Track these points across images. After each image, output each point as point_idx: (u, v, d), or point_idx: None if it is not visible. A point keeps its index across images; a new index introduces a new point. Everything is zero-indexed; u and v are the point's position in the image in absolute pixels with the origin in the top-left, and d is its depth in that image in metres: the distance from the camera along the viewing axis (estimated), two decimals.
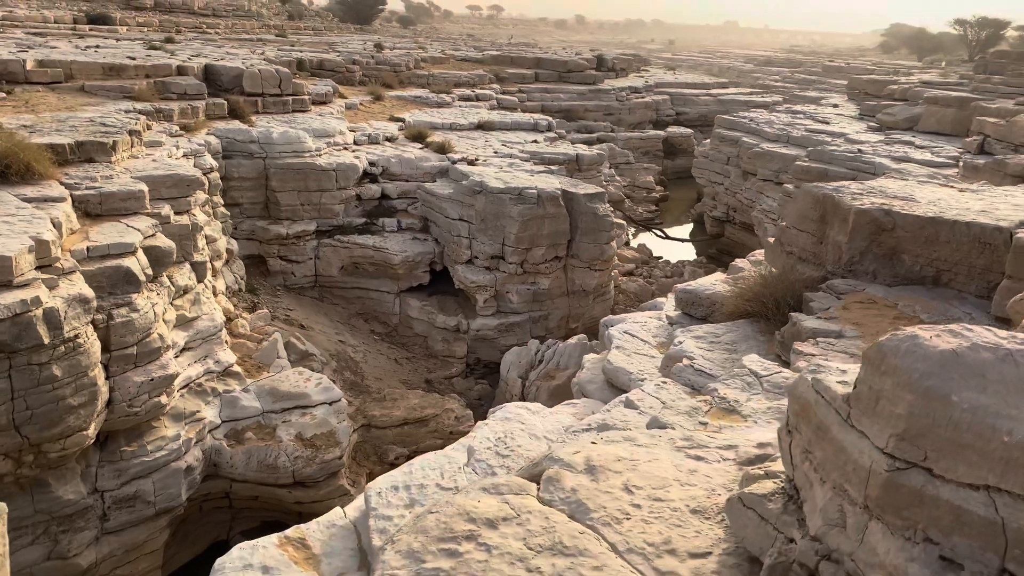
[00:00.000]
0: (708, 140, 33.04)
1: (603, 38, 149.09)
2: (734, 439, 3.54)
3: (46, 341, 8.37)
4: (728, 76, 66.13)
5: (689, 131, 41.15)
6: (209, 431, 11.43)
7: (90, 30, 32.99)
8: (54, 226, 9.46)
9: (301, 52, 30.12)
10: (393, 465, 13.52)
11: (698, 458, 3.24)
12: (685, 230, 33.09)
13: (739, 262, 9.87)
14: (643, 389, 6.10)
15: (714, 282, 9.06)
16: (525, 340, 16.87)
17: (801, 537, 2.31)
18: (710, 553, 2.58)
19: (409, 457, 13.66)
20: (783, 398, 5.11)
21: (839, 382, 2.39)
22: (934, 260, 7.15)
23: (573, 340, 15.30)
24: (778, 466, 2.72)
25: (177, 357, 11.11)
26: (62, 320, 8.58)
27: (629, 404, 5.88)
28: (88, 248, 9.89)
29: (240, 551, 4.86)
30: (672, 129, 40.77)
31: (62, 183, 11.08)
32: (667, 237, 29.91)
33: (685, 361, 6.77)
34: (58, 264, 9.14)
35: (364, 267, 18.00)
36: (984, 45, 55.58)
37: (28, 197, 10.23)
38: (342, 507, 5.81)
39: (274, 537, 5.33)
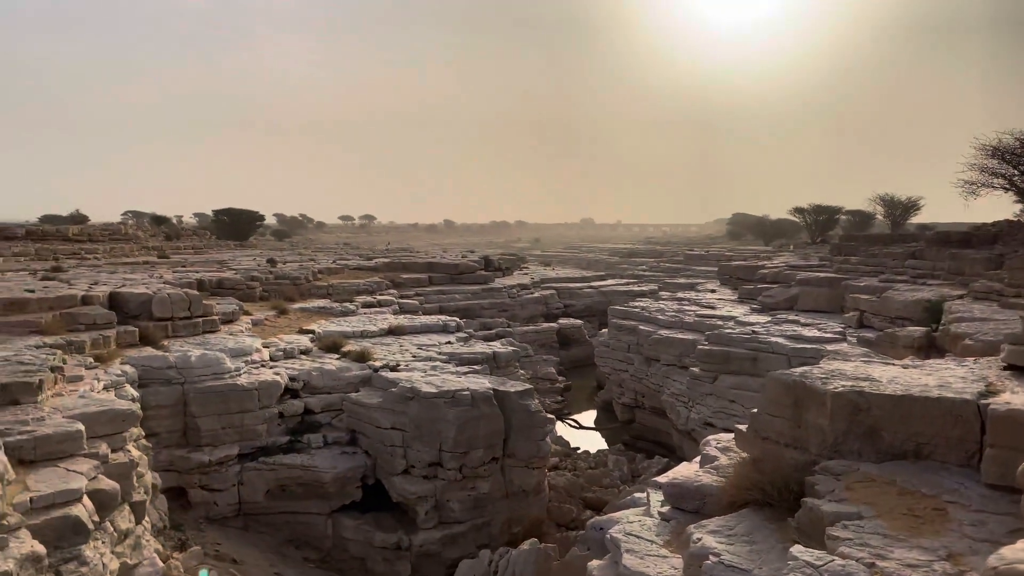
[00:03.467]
0: (605, 330, 34.52)
1: (472, 239, 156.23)
2: None
3: None
4: (597, 268, 70.24)
5: (579, 322, 43.02)
6: None
7: None
8: None
9: (198, 273, 29.92)
10: None
11: None
12: (590, 417, 33.67)
13: (709, 450, 10.17)
14: None
15: (697, 473, 9.27)
16: (469, 552, 16.31)
17: None
18: None
19: None
20: None
21: None
22: (912, 435, 7.70)
23: (525, 546, 14.94)
24: None
25: None
26: None
27: None
28: (32, 499, 9.08)
29: None
30: (563, 321, 42.51)
31: None
32: (580, 427, 30.28)
33: (712, 558, 6.81)
34: (5, 521, 8.32)
35: (292, 488, 17.14)
36: (822, 228, 62.18)
37: None
38: None
39: None
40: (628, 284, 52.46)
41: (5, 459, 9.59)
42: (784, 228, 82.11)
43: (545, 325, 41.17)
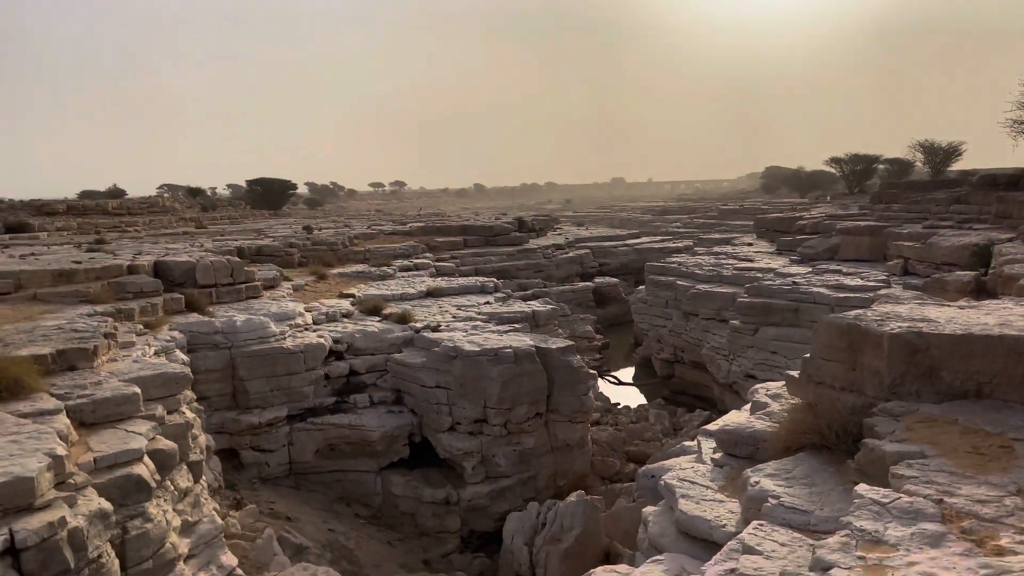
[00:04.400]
0: (642, 287, 34.36)
1: (503, 203, 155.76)
2: (1005, 565, 3.58)
3: (72, 566, 7.70)
4: (630, 227, 69.61)
5: (615, 280, 42.83)
6: None
7: (11, 239, 32.29)
8: (61, 439, 8.94)
9: (237, 241, 30.24)
10: None
11: None
12: (628, 374, 33.70)
13: (759, 398, 10.11)
14: (755, 533, 6.06)
15: (749, 419, 9.23)
16: (517, 505, 16.51)
17: None
18: None
19: None
20: (920, 521, 5.19)
21: None
22: (973, 374, 7.57)
23: (573, 497, 15.10)
24: None
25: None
26: (86, 540, 7.94)
27: (750, 550, 5.81)
28: (95, 459, 9.33)
29: None
30: (599, 280, 42.34)
31: (51, 394, 10.55)
32: (620, 383, 30.31)
33: (771, 501, 6.78)
34: (72, 480, 8.56)
35: (340, 447, 17.43)
36: (860, 178, 60.91)
37: (24, 413, 9.66)
38: None
39: None
40: (663, 241, 52.06)
41: (68, 421, 9.86)
42: (820, 180, 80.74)
43: (581, 284, 41.07)
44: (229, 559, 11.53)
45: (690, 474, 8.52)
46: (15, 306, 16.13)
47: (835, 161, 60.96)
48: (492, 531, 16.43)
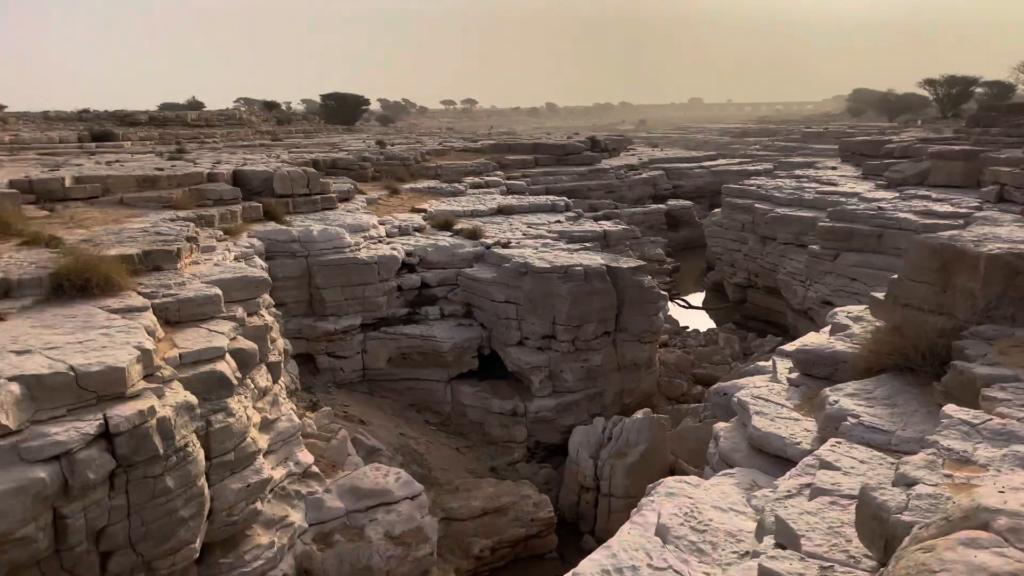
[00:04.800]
0: (718, 210, 33.57)
1: (575, 122, 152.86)
2: None
3: (161, 452, 8.10)
4: (707, 149, 67.45)
5: (689, 203, 41.89)
6: (298, 536, 11.01)
7: (97, 147, 33.33)
8: (149, 335, 9.30)
9: (312, 153, 30.55)
10: (479, 559, 13.08)
11: None
12: (698, 298, 33.28)
13: (839, 320, 9.83)
14: (833, 450, 5.94)
15: (829, 340, 8.99)
16: (583, 419, 16.68)
17: None
18: None
19: (494, 549, 13.24)
20: (1012, 443, 4.99)
21: None
22: None
23: (639, 415, 15.16)
24: None
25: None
26: (173, 429, 8.33)
27: (827, 466, 5.70)
28: (180, 355, 9.70)
29: None
30: (672, 202, 41.47)
31: (139, 292, 10.95)
32: (690, 306, 29.99)
33: (851, 420, 6.64)
34: (159, 373, 8.94)
35: (412, 357, 17.81)
36: (955, 102, 57.56)
37: (113, 309, 10.06)
38: None
39: None
40: (741, 164, 50.43)
41: (154, 318, 10.25)
42: (911, 103, 76.53)
43: (653, 206, 40.23)
44: (306, 456, 12.01)
45: (765, 392, 8.38)
46: (103, 209, 16.71)
47: (929, 83, 57.66)
48: (558, 443, 16.69)
